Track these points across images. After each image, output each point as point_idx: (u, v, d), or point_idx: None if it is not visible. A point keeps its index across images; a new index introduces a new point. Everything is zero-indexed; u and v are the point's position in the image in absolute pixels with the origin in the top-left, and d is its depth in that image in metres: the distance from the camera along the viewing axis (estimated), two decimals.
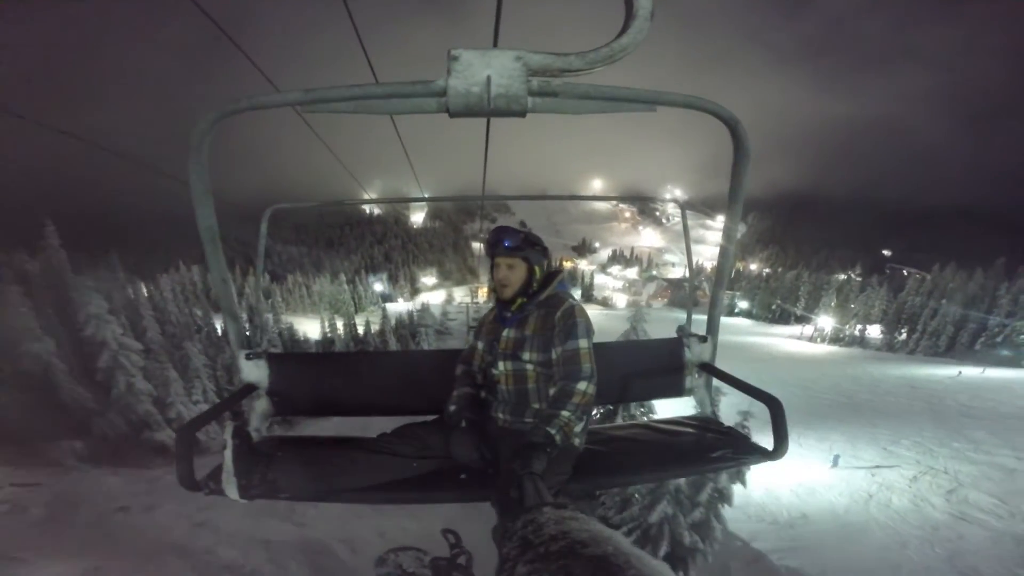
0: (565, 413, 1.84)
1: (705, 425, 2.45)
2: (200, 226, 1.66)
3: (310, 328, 30.28)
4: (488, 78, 1.12)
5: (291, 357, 2.57)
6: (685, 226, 2.67)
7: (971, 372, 30.39)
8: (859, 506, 10.21)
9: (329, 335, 27.09)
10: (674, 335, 2.64)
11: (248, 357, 2.28)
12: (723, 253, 2.12)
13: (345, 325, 28.52)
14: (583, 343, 1.99)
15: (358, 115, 1.24)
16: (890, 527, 9.21)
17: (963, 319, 40.07)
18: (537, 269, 2.14)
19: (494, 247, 2.10)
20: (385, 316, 32.62)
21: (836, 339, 50.42)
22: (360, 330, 29.28)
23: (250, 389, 2.30)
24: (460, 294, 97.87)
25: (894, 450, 14.25)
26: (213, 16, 2.80)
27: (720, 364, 2.56)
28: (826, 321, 53.83)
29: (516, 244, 2.07)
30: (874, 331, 47.96)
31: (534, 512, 0.72)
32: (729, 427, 2.39)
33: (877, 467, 12.93)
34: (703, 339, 2.52)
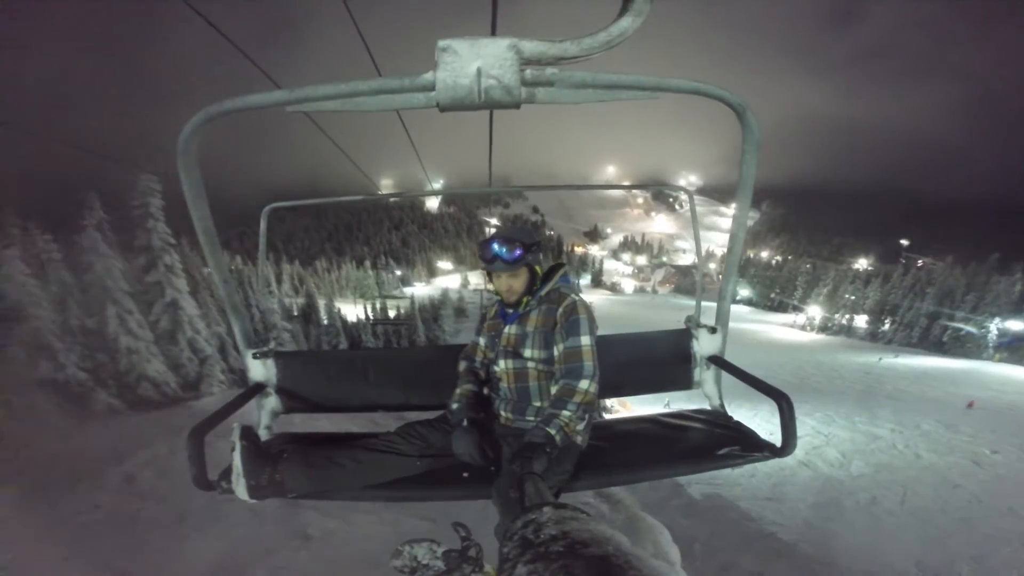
0: (566, 413, 1.85)
1: (713, 419, 2.46)
2: (197, 228, 1.68)
3: (344, 311, 34.94)
4: (478, 70, 1.08)
5: (298, 355, 2.68)
6: (693, 213, 2.66)
7: (889, 359, 33.50)
8: None
9: (372, 318, 31.56)
10: (681, 326, 2.63)
11: (255, 356, 2.36)
12: (732, 242, 2.08)
13: (381, 308, 33.04)
14: (585, 340, 1.98)
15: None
16: (752, 464, 13.30)
17: (936, 313, 42.88)
18: (538, 268, 2.11)
19: (491, 263, 2.03)
20: (413, 299, 36.81)
21: (824, 328, 53.68)
22: (391, 313, 33.89)
23: (259, 388, 2.39)
24: (475, 278, 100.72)
25: (804, 419, 17.35)
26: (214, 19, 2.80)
27: None
28: (816, 311, 57.00)
29: (514, 258, 2.00)
30: (861, 321, 50.61)
31: (534, 512, 0.72)
32: (737, 422, 2.38)
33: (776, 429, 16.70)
34: (713, 330, 2.49)
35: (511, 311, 2.15)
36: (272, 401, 2.43)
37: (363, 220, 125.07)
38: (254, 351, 2.36)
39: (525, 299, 2.11)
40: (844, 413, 19.28)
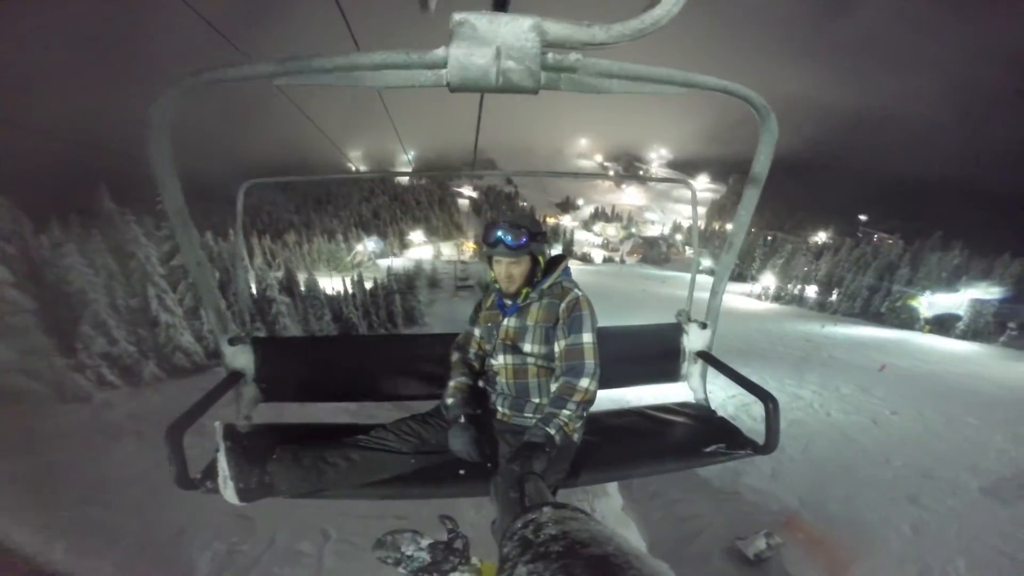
0: (566, 412, 1.84)
1: (698, 414, 2.51)
2: (168, 208, 1.60)
3: (321, 284, 35.50)
4: (497, 49, 0.99)
5: (277, 341, 2.35)
6: (694, 208, 2.68)
7: (829, 327, 36.46)
8: None
9: (352, 290, 31.21)
10: (673, 320, 2.64)
11: (231, 342, 2.24)
12: (732, 238, 2.05)
13: (357, 280, 33.36)
14: (588, 338, 1.97)
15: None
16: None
17: (876, 285, 46.03)
18: (540, 259, 2.06)
19: (494, 247, 1.96)
20: (391, 271, 37.40)
21: (778, 298, 56.70)
22: (368, 285, 34.50)
23: (236, 377, 2.28)
24: (447, 250, 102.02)
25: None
26: None
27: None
28: (771, 281, 59.95)
29: (519, 244, 1.95)
30: (812, 292, 53.68)
31: (534, 512, 0.72)
32: (721, 417, 2.44)
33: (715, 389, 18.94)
34: (703, 326, 2.52)
35: (510, 303, 2.10)
36: (251, 390, 2.34)
37: (332, 192, 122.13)
38: (230, 337, 2.26)
39: (525, 290, 2.06)
40: (778, 376, 20.37)
